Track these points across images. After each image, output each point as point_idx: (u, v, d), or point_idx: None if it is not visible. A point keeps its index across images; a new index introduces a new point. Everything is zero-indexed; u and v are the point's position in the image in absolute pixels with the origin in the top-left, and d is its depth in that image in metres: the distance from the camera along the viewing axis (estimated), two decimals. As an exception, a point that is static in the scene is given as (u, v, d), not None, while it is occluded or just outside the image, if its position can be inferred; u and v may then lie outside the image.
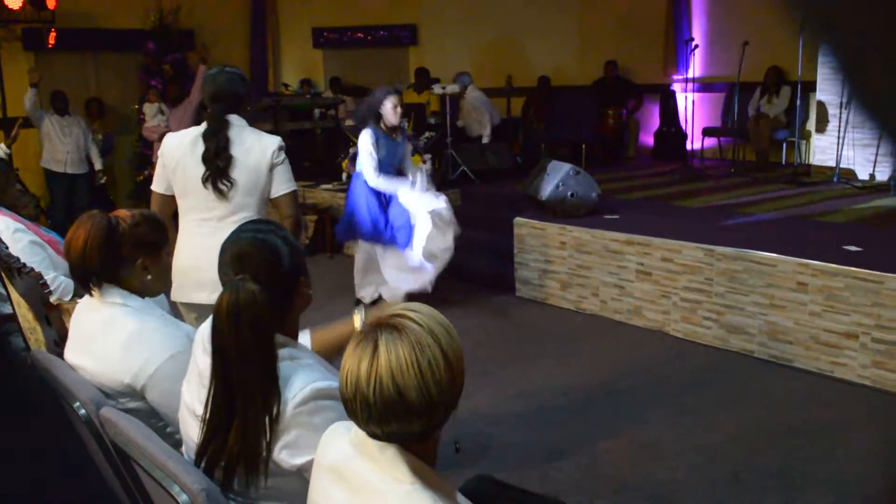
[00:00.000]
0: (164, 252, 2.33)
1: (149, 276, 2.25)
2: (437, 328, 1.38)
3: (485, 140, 8.79)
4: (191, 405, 1.87)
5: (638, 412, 4.12)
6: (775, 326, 4.73)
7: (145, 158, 9.05)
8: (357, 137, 5.67)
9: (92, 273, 2.17)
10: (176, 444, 2.03)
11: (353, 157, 7.32)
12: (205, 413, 1.73)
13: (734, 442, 3.76)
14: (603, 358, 4.94)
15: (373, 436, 1.38)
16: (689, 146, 9.51)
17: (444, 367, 1.35)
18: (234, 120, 3.17)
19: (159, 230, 2.33)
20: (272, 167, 3.15)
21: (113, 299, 2.19)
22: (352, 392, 1.35)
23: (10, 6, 8.32)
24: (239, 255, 1.76)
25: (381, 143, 5.38)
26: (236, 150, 3.11)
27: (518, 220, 6.25)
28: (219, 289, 1.70)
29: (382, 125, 5.43)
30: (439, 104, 9.10)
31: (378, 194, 5.45)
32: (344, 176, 7.61)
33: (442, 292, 5.62)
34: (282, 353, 1.73)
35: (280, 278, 1.77)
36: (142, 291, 2.25)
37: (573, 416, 4.11)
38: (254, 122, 9.07)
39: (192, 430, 1.86)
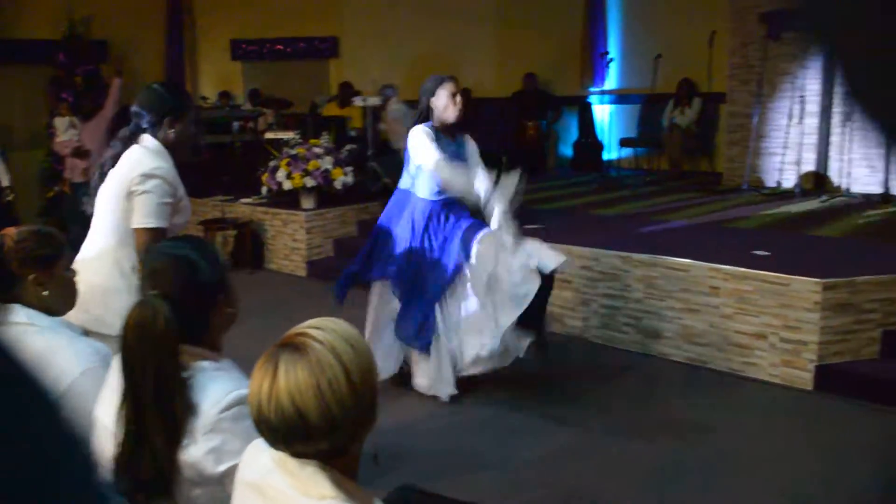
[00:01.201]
0: (58, 266, 2.25)
1: (45, 292, 2.17)
2: (341, 345, 1.35)
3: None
4: (109, 426, 1.83)
5: (559, 417, 4.17)
6: (690, 329, 4.87)
7: (56, 174, 8.77)
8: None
9: None
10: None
11: (274, 171, 7.26)
12: (118, 429, 1.70)
13: (651, 444, 3.86)
14: (522, 369, 4.99)
15: (286, 454, 1.38)
16: (606, 156, 9.73)
17: (346, 385, 1.33)
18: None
19: (49, 244, 2.24)
20: (129, 194, 2.81)
21: (18, 319, 2.11)
22: (255, 414, 1.35)
23: None
24: (153, 271, 1.74)
25: (441, 144, 4.19)
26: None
27: (440, 230, 6.28)
28: None
29: (435, 124, 4.25)
30: (362, 117, 9.10)
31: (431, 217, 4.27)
32: (264, 189, 7.51)
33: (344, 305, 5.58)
34: (201, 364, 1.72)
35: (195, 294, 1.75)
36: (45, 308, 2.18)
37: (492, 424, 4.14)
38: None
39: (110, 450, 1.82)
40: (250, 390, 1.37)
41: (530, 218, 6.29)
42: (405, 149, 4.30)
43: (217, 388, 1.69)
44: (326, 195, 7.33)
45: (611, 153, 9.72)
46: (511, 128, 9.55)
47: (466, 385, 4.37)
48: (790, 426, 4.08)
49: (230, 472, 1.63)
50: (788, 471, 3.56)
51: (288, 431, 1.32)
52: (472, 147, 4.38)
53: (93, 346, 2.15)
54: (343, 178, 7.20)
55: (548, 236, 5.71)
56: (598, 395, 4.47)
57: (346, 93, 9.47)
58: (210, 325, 1.82)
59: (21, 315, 2.12)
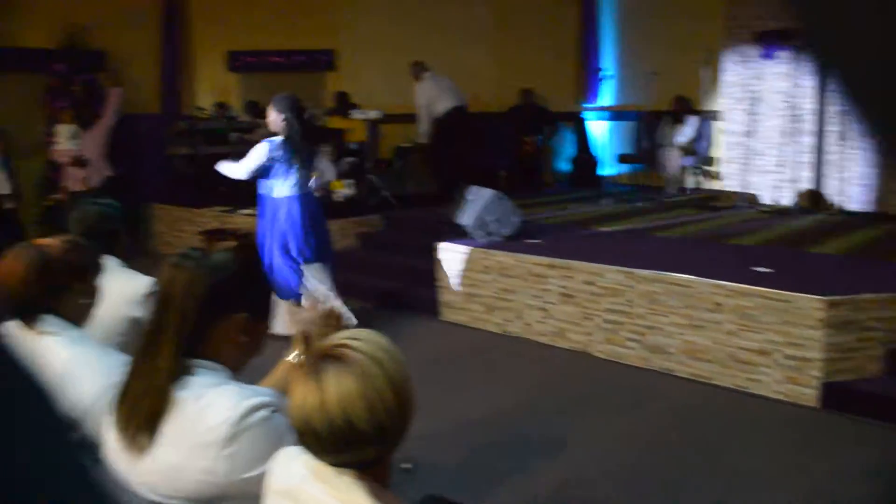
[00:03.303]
0: (95, 277, 2.28)
1: (85, 301, 2.20)
2: (381, 354, 1.39)
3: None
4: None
5: (567, 433, 4.18)
6: (694, 346, 4.90)
7: (53, 183, 8.72)
8: None
9: (32, 305, 2.10)
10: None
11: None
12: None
13: (659, 459, 3.87)
14: (533, 380, 5.01)
15: (328, 464, 1.39)
16: (603, 172, 9.79)
17: (392, 394, 1.36)
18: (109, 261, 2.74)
19: (89, 255, 2.29)
20: (135, 322, 2.65)
21: (49, 329, 2.12)
22: (301, 426, 1.36)
23: None
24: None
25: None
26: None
27: (441, 244, 6.30)
28: None
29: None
30: (365, 130, 9.11)
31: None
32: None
33: (365, 318, 5.59)
34: (210, 376, 1.70)
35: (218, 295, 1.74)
36: (78, 318, 2.19)
37: (505, 437, 4.15)
38: (169, 146, 8.85)
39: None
40: (294, 403, 1.38)
41: (529, 233, 6.33)
42: None
43: (226, 401, 1.67)
44: (326, 207, 7.32)
45: (608, 169, 9.77)
46: (508, 143, 9.59)
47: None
48: (796, 443, 4.10)
49: (253, 481, 1.62)
50: (794, 488, 3.58)
51: (336, 440, 1.34)
52: None
53: (122, 358, 2.15)
54: (343, 190, 7.20)
55: (546, 251, 5.75)
56: (603, 411, 4.48)
57: (343, 103, 9.48)
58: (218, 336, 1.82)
59: (52, 326, 2.12)
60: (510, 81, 10.34)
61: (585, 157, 10.14)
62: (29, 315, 2.11)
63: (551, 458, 3.90)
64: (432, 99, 8.57)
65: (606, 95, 10.37)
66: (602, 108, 10.31)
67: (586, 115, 10.40)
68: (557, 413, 4.45)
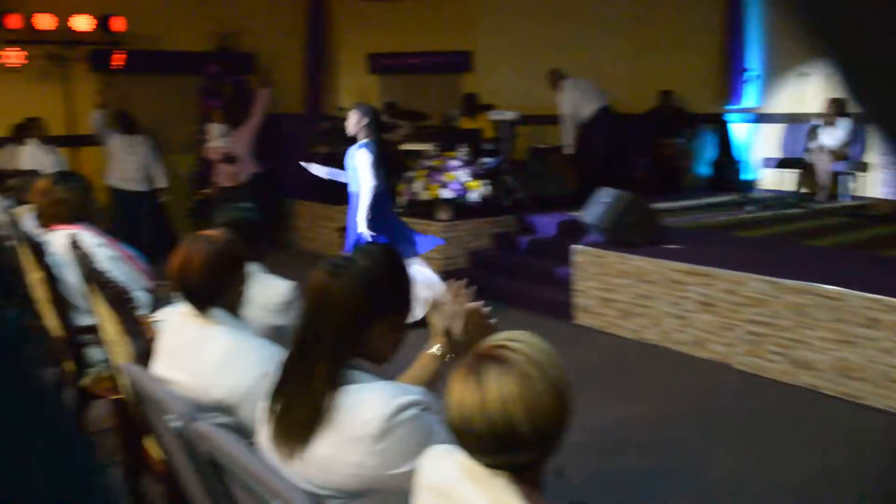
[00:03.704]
0: (246, 268, 2.40)
1: (241, 288, 2.32)
2: (542, 358, 1.38)
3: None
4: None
5: (705, 448, 4.05)
6: (845, 363, 4.62)
7: (204, 178, 9.22)
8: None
9: (209, 292, 2.23)
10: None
11: (410, 181, 7.41)
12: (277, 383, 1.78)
13: (801, 483, 3.68)
14: (669, 390, 4.87)
15: (483, 464, 1.38)
16: (746, 176, 9.41)
17: (552, 398, 1.35)
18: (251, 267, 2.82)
19: (244, 245, 2.41)
20: (277, 330, 2.73)
21: (211, 316, 2.24)
22: (460, 425, 1.36)
23: (78, 28, 8.59)
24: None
25: None
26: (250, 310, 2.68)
27: (577, 247, 6.23)
28: None
29: None
30: (494, 130, 9.13)
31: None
32: (400, 200, 7.65)
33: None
34: (362, 373, 1.75)
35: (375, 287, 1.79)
36: (236, 306, 2.31)
37: (637, 448, 4.05)
38: (311, 145, 9.18)
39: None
40: (453, 402, 1.38)
41: (668, 238, 6.15)
42: None
43: (378, 398, 1.70)
44: (461, 207, 7.40)
45: (751, 173, 9.38)
46: (646, 145, 9.37)
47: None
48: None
49: (405, 477, 1.65)
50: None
51: (495, 442, 1.33)
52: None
53: (276, 349, 2.24)
54: (479, 190, 7.24)
55: (686, 257, 5.57)
56: (743, 427, 4.31)
57: (470, 104, 9.53)
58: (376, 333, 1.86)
59: (214, 313, 2.24)
60: (649, 82, 10.10)
61: (727, 161, 9.77)
62: (199, 303, 2.24)
63: (686, 473, 3.78)
64: (576, 106, 8.46)
65: (751, 97, 9.95)
66: (746, 110, 9.90)
67: (729, 117, 10.02)
68: (695, 426, 4.31)
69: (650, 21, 10.18)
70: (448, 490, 1.45)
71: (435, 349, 2.09)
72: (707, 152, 10.12)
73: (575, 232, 6.65)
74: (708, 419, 4.39)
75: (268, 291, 2.83)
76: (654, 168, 9.27)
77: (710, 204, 8.48)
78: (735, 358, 5.18)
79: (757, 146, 9.56)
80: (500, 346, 1.39)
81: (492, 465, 1.37)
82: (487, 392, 1.33)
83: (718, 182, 9.71)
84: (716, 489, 3.60)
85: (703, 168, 10.15)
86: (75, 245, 2.96)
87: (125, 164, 8.24)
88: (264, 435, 1.85)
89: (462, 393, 1.37)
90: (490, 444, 1.34)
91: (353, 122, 5.63)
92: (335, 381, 1.69)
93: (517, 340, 1.40)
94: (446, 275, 7.36)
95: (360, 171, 5.57)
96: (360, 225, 5.51)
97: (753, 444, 4.07)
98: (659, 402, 4.63)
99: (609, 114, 8.49)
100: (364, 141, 5.58)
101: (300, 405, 1.71)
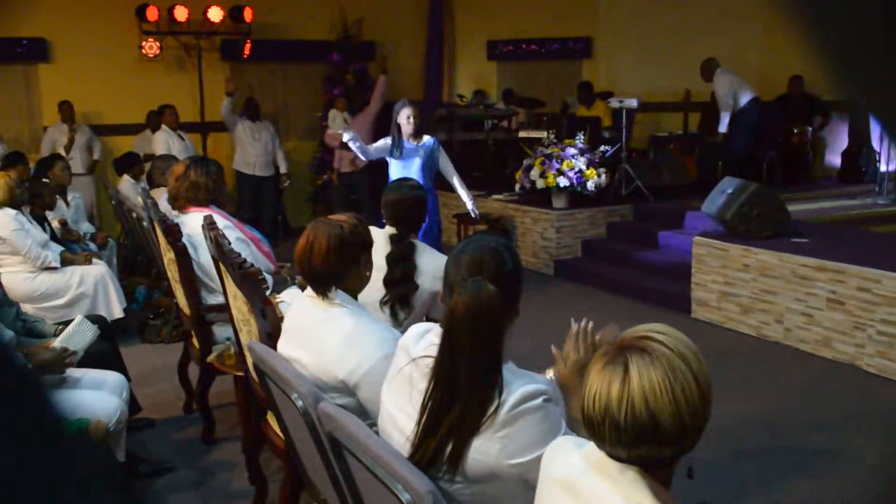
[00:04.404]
0: (371, 252, 2.46)
1: (367, 273, 2.38)
2: (687, 352, 1.34)
3: None
4: (392, 413, 1.92)
5: (829, 450, 3.88)
6: None
7: (325, 163, 9.47)
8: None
9: (333, 276, 2.30)
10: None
11: (528, 169, 7.38)
12: (420, 414, 1.77)
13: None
14: (791, 389, 4.69)
15: (616, 458, 1.36)
16: (881, 168, 8.87)
17: (697, 393, 1.31)
18: (417, 244, 3.16)
19: (368, 230, 2.47)
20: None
21: (334, 298, 2.31)
22: (600, 415, 1.33)
23: (212, 19, 8.96)
24: (475, 260, 1.82)
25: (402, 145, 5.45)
26: (422, 279, 3.06)
27: (697, 238, 6.06)
28: None
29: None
30: (610, 118, 8.98)
31: None
32: (517, 187, 7.64)
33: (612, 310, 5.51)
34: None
35: (506, 286, 1.80)
36: (357, 289, 2.38)
37: (757, 449, 3.92)
38: (429, 131, 9.28)
39: (392, 436, 1.92)
40: (593, 391, 1.35)
41: (795, 231, 5.89)
42: None
43: (510, 385, 1.72)
44: (577, 195, 7.32)
45: (886, 164, 8.84)
46: (773, 133, 8.96)
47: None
48: None
49: (525, 467, 1.65)
50: None
51: (636, 434, 1.30)
52: (435, 146, 5.47)
53: (394, 332, 2.29)
54: (596, 178, 7.14)
55: (814, 251, 5.32)
56: (870, 432, 4.10)
57: (586, 92, 9.40)
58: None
59: (336, 296, 2.31)
60: (778, 68, 9.66)
61: (861, 151, 9.24)
62: (325, 285, 2.32)
63: (807, 477, 3.63)
64: (735, 94, 8.24)
65: (891, 83, 9.38)
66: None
67: (864, 104, 9.47)
68: (818, 428, 4.13)
69: (782, 3, 9.72)
70: (574, 484, 1.44)
71: (549, 375, 2.06)
72: (839, 141, 9.61)
73: (694, 222, 6.46)
74: (831, 421, 4.19)
75: (435, 262, 3.01)
76: (783, 157, 8.87)
77: (842, 195, 8.06)
78: (864, 359, 4.91)
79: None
80: (644, 336, 1.36)
81: (626, 458, 1.34)
82: (632, 382, 1.31)
83: (851, 173, 9.20)
84: (835, 493, 3.44)
85: (835, 158, 9.64)
86: (210, 226, 3.10)
87: (250, 150, 8.56)
88: (396, 432, 1.90)
89: (605, 382, 1.34)
90: (630, 435, 1.31)
91: (409, 119, 5.43)
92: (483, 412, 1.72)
93: (662, 333, 1.37)
94: (558, 263, 7.30)
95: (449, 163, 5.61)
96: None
97: (878, 451, 3.86)
98: (777, 402, 4.46)
99: (760, 105, 8.25)
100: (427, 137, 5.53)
101: (446, 444, 1.74)
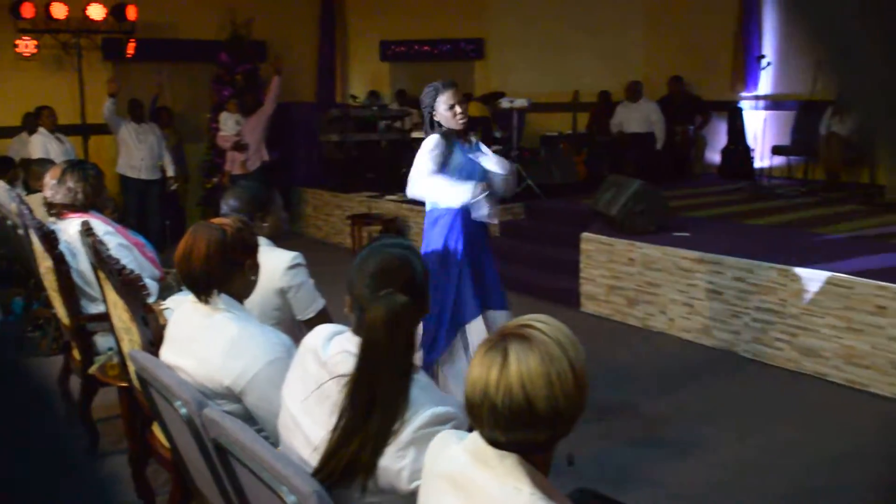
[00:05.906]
0: (257, 255, 2.42)
1: (252, 277, 2.34)
2: (565, 340, 1.40)
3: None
4: (295, 415, 1.90)
5: (709, 436, 4.07)
6: (852, 350, 4.62)
7: (216, 166, 9.27)
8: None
9: (213, 280, 2.25)
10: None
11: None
12: (337, 423, 1.74)
13: (810, 471, 3.70)
14: (673, 377, 4.90)
15: (494, 443, 1.39)
16: (757, 164, 9.35)
17: (572, 379, 1.37)
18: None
19: (253, 233, 2.43)
20: (282, 291, 2.89)
21: (217, 304, 2.27)
22: (479, 398, 1.37)
23: (92, 17, 8.62)
24: (382, 270, 1.82)
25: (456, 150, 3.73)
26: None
27: (585, 235, 6.24)
28: None
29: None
30: (493, 119, 9.13)
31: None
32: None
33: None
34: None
35: (418, 293, 1.82)
36: (243, 294, 2.34)
37: (645, 434, 4.08)
38: (320, 133, 9.18)
39: (294, 439, 1.90)
40: (474, 375, 1.40)
41: (677, 225, 6.15)
42: None
43: (417, 402, 1.72)
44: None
45: (762, 161, 9.32)
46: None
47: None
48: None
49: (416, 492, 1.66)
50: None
51: (512, 417, 1.35)
52: (485, 150, 3.88)
53: (280, 336, 2.27)
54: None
55: (695, 244, 5.57)
56: (751, 414, 4.32)
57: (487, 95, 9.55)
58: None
59: (220, 302, 2.27)
60: (660, 69, 10.04)
61: (739, 148, 9.71)
62: (205, 290, 2.27)
63: (694, 459, 3.80)
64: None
65: (764, 84, 9.88)
66: (758, 98, 9.84)
67: (742, 104, 9.96)
68: (702, 413, 4.33)
69: (663, 5, 10.11)
70: (457, 477, 1.47)
71: None
72: (718, 139, 10.07)
73: (582, 219, 6.65)
74: (714, 406, 4.41)
75: (273, 259, 2.87)
76: (665, 155, 9.23)
77: (720, 191, 8.46)
78: (740, 345, 5.18)
79: (769, 133, 9.50)
80: (526, 325, 1.42)
81: (503, 442, 1.38)
82: (510, 367, 1.35)
83: (729, 169, 9.65)
84: (719, 470, 3.62)
85: (713, 155, 10.10)
86: (87, 233, 3.00)
87: (136, 153, 8.28)
88: (299, 441, 1.88)
89: (484, 367, 1.38)
90: (506, 419, 1.35)
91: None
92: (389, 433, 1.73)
93: (542, 322, 1.42)
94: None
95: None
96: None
97: (752, 427, 4.09)
98: (663, 389, 4.65)
99: None
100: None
101: (351, 462, 1.73)
